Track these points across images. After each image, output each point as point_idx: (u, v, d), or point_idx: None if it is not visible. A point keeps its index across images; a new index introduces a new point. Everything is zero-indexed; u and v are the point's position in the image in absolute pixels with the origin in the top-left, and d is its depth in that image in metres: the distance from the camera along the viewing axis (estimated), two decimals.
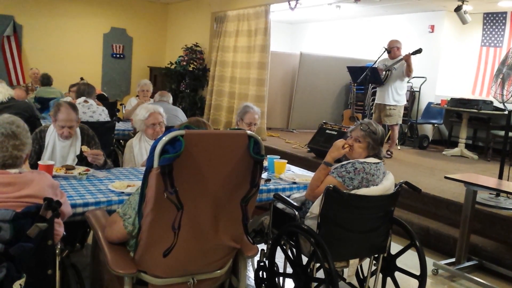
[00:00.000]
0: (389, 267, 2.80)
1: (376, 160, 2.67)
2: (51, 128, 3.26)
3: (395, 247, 2.85)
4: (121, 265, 1.97)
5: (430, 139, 8.11)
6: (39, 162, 2.72)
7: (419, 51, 6.21)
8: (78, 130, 3.30)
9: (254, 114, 3.86)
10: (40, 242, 1.85)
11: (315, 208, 2.50)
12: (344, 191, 2.46)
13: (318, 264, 2.49)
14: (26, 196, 1.87)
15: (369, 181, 2.59)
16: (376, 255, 2.76)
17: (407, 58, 6.18)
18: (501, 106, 4.89)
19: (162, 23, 11.23)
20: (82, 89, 4.98)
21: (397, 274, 2.79)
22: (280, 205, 2.88)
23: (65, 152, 3.23)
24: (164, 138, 1.80)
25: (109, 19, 10.59)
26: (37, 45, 9.82)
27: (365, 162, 2.63)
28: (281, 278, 2.90)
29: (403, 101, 6.52)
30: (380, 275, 2.82)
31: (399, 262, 2.80)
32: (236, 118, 3.99)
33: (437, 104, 7.56)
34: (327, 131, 6.11)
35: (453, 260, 3.78)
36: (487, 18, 8.08)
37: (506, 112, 4.42)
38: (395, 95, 6.40)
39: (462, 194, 3.81)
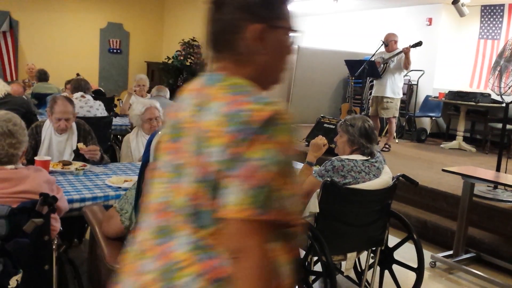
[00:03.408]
0: (386, 260, 2.81)
1: (362, 157, 2.61)
2: (47, 123, 3.24)
3: (392, 240, 2.86)
4: (118, 260, 1.97)
5: (428, 132, 8.11)
6: (35, 158, 2.71)
7: (419, 43, 6.17)
8: (74, 125, 3.28)
9: None
10: (36, 238, 1.85)
11: (312, 207, 2.48)
12: None
13: (316, 258, 2.49)
14: (22, 191, 1.86)
15: (356, 178, 2.54)
16: (373, 248, 2.76)
17: (406, 51, 6.16)
18: (498, 98, 4.89)
19: (159, 17, 11.20)
20: (79, 84, 4.96)
21: (394, 267, 2.81)
22: None
23: (62, 147, 3.21)
24: (160, 132, 1.79)
25: (105, 14, 10.55)
26: (33, 41, 9.79)
27: (347, 159, 2.57)
28: None
29: (400, 94, 6.51)
30: (378, 268, 2.83)
31: (397, 255, 2.81)
32: None
33: (435, 97, 7.55)
34: (325, 125, 6.10)
35: (450, 252, 3.79)
36: (485, 11, 8.06)
37: (504, 105, 4.42)
38: (392, 88, 6.38)
39: (460, 187, 3.81)
